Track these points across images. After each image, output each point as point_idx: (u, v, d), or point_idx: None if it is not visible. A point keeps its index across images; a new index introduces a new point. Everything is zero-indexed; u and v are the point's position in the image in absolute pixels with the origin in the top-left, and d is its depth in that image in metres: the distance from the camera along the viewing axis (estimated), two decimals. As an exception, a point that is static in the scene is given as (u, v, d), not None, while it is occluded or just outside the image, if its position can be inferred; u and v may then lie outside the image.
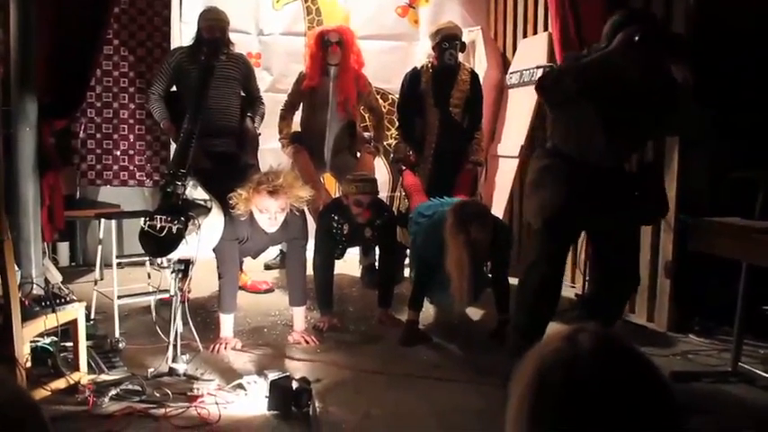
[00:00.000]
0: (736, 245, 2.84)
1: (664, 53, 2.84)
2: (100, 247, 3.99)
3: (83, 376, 2.92)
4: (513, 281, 4.12)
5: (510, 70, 5.70)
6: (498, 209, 5.17)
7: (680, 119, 2.98)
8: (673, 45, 2.90)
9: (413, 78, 4.83)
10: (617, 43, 2.78)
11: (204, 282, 4.21)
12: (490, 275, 3.89)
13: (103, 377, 3.01)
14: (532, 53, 5.32)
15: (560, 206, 2.94)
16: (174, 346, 3.10)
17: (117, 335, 3.50)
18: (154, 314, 3.54)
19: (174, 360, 3.09)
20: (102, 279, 4.08)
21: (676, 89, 2.86)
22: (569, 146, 3.05)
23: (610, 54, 2.79)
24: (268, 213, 3.46)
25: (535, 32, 5.40)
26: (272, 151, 5.07)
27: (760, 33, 3.50)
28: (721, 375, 3.20)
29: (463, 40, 4.82)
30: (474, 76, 4.90)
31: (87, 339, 3.08)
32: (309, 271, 3.89)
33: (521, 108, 5.40)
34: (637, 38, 2.72)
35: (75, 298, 2.98)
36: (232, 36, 4.57)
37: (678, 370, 3.23)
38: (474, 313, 4.11)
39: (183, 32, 5.38)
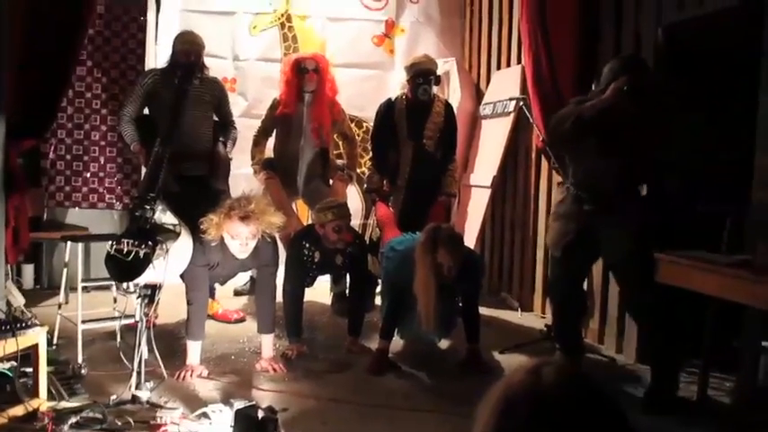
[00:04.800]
0: (704, 278, 2.87)
1: (653, 98, 3.23)
2: (65, 270, 3.91)
3: (42, 403, 2.84)
4: (484, 311, 4.16)
5: (483, 101, 5.77)
6: (470, 238, 5.19)
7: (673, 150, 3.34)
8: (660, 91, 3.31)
9: (387, 109, 4.85)
10: (610, 91, 3.20)
11: (172, 307, 4.14)
12: (461, 304, 3.88)
13: (63, 404, 2.93)
14: (506, 85, 5.39)
15: (568, 241, 3.41)
16: (138, 372, 3.04)
17: (80, 360, 3.42)
18: (119, 340, 3.48)
19: (137, 387, 3.02)
20: (66, 303, 4.00)
21: (670, 123, 3.26)
22: (578, 180, 3.42)
23: (603, 101, 3.20)
24: (239, 239, 3.43)
25: (509, 65, 5.48)
26: (244, 177, 5.04)
27: (727, 67, 3.59)
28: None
29: (438, 72, 4.87)
30: (448, 107, 4.93)
31: (49, 365, 3.01)
32: (279, 298, 3.85)
33: (494, 139, 5.46)
34: (625, 88, 3.15)
35: (37, 322, 2.91)
36: (208, 60, 4.57)
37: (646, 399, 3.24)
38: (443, 342, 4.10)
39: (157, 55, 5.37)
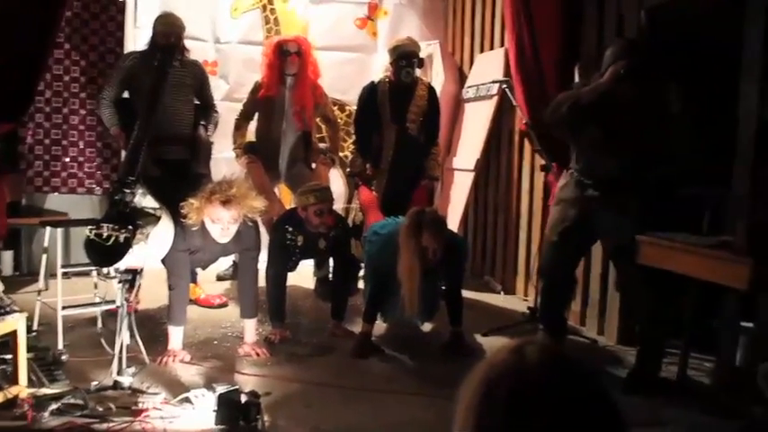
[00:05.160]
0: (684, 259, 2.89)
1: (650, 82, 3.22)
2: (45, 256, 3.87)
3: (22, 390, 2.80)
4: (467, 294, 4.17)
5: (466, 84, 5.76)
6: (453, 222, 5.19)
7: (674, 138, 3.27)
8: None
9: (370, 93, 4.82)
10: (608, 75, 3.22)
11: (154, 293, 4.11)
12: (444, 288, 3.89)
13: (44, 391, 2.89)
14: (489, 68, 5.38)
15: (566, 226, 3.42)
16: (120, 358, 3.01)
17: (60, 347, 3.39)
18: (99, 326, 3.44)
19: (119, 373, 2.99)
20: (46, 289, 3.95)
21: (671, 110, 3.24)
22: (580, 166, 3.41)
23: (601, 85, 3.22)
24: (220, 223, 3.41)
25: (492, 48, 5.47)
26: (226, 161, 5.01)
27: (710, 49, 3.60)
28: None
29: (421, 55, 4.84)
30: (431, 90, 4.91)
31: (28, 351, 2.97)
32: (262, 282, 3.84)
33: (477, 122, 5.45)
34: (622, 72, 3.18)
35: (16, 308, 2.88)
36: (188, 43, 4.51)
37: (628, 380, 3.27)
38: (426, 326, 4.11)
39: (137, 38, 5.29)
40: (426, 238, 3.48)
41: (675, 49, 3.72)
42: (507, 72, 4.84)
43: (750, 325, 3.13)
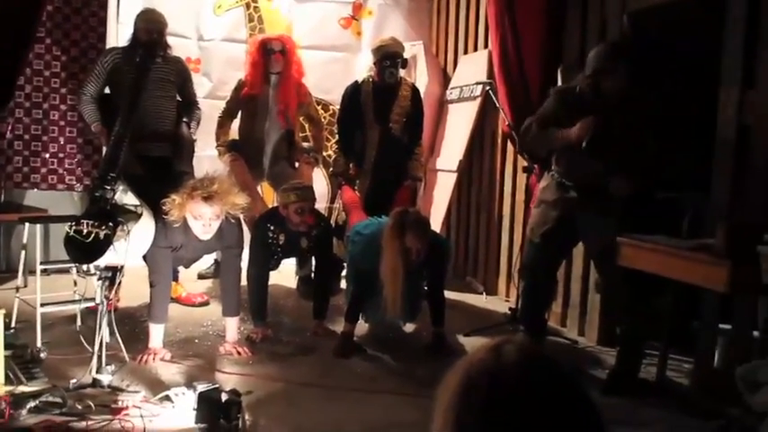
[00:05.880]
0: (664, 261, 2.92)
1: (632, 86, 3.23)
2: (23, 253, 3.83)
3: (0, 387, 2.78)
4: (449, 294, 4.18)
5: (450, 86, 5.77)
6: (436, 222, 5.20)
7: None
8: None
9: (353, 92, 4.82)
10: (578, 130, 3.19)
11: (135, 290, 4.08)
12: (426, 288, 3.90)
13: (22, 388, 2.85)
14: (472, 69, 5.39)
15: (548, 228, 3.44)
16: (99, 356, 2.98)
17: (39, 344, 3.35)
18: (79, 323, 3.41)
19: (98, 371, 2.97)
20: (25, 286, 3.91)
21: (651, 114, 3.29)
22: (561, 168, 3.43)
23: (570, 139, 3.23)
24: (202, 220, 3.39)
25: (476, 49, 5.49)
26: (208, 158, 4.98)
27: (691, 55, 3.63)
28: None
29: (405, 56, 4.85)
30: (415, 91, 4.92)
31: (6, 349, 2.94)
32: (244, 281, 3.82)
33: (460, 123, 5.47)
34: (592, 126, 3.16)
35: (-7, 305, 2.85)
36: (171, 40, 4.47)
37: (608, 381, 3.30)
38: (409, 326, 4.11)
39: (119, 33, 5.24)
40: (410, 238, 3.48)
41: (657, 53, 3.75)
42: (491, 74, 4.85)
43: (728, 327, 3.17)
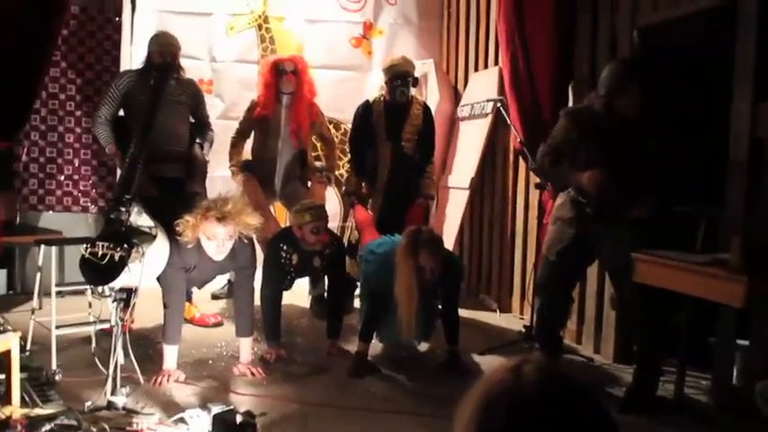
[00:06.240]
0: (680, 277, 2.89)
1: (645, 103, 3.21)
2: (39, 275, 3.84)
3: (15, 410, 2.77)
4: (463, 312, 4.16)
5: (461, 103, 5.78)
6: (449, 240, 5.19)
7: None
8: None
9: (365, 111, 4.84)
10: (587, 181, 3.21)
11: (149, 312, 4.09)
12: (440, 307, 3.88)
13: (37, 411, 2.85)
14: (483, 86, 5.41)
15: (564, 246, 3.41)
16: (114, 378, 2.99)
17: (54, 367, 3.35)
18: (93, 345, 3.41)
19: (113, 393, 2.97)
20: (40, 308, 3.92)
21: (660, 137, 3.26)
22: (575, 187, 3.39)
23: (581, 184, 3.25)
24: (216, 240, 3.40)
25: (486, 66, 5.50)
26: (221, 179, 5.00)
27: (702, 69, 3.62)
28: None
29: (416, 74, 4.86)
30: (426, 109, 4.93)
31: (22, 371, 2.94)
32: (257, 301, 3.82)
33: (471, 140, 5.47)
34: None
35: (9, 327, 2.85)
36: (184, 62, 4.53)
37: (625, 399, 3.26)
38: (423, 345, 4.09)
39: (133, 56, 5.32)
40: (424, 257, 3.47)
41: (668, 67, 3.75)
42: (502, 90, 4.87)
43: (746, 342, 3.13)
